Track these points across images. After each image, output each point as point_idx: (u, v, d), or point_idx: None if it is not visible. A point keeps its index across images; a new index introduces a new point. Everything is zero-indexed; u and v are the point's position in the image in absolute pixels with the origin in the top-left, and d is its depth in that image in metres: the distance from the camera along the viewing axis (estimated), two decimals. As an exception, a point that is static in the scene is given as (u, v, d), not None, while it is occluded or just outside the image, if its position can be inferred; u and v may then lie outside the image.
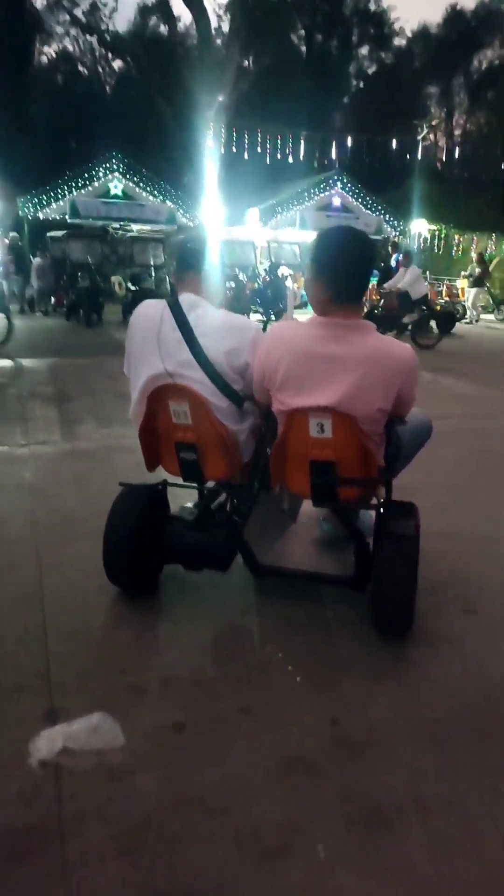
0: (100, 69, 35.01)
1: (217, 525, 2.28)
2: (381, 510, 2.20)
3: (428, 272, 18.91)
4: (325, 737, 1.70)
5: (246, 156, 19.41)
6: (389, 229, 19.88)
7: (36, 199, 17.73)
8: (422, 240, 20.45)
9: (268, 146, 19.03)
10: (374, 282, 13.42)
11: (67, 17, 30.36)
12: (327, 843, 1.39)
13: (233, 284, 12.18)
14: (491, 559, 2.74)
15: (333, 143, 19.69)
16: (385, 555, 2.06)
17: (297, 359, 2.00)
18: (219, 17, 31.44)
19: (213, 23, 27.33)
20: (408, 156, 19.42)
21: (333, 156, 19.64)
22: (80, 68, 34.52)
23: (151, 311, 2.23)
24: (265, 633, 2.16)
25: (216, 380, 2.12)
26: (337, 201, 19.17)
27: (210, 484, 2.37)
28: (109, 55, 32.68)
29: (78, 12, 30.13)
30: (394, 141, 19.58)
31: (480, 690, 1.89)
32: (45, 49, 32.76)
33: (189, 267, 2.24)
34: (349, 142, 19.76)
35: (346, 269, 1.98)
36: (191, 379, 2.11)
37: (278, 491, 2.39)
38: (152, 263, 15.35)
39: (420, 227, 20.16)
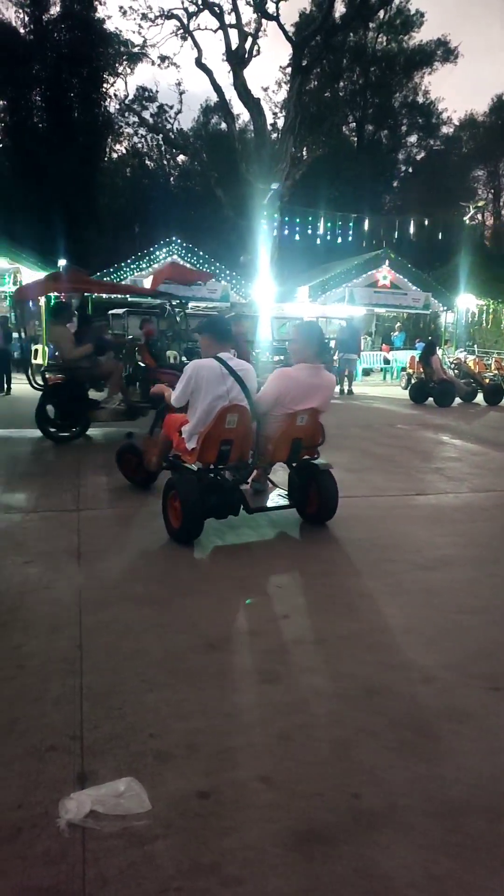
0: (164, 162, 37.93)
1: (232, 488, 3.87)
2: (313, 461, 4.19)
3: (476, 346, 19.02)
4: (343, 810, 1.71)
5: (297, 237, 20.37)
6: (437, 304, 20.25)
7: (101, 279, 18.97)
8: (469, 314, 20.67)
9: (319, 228, 19.96)
10: (418, 355, 13.60)
11: (136, 119, 33.42)
12: (337, 917, 1.40)
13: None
14: (523, 636, 2.70)
15: (382, 224, 20.48)
16: (321, 481, 4.10)
17: (299, 386, 3.99)
18: (274, 114, 33.96)
19: (269, 119, 29.51)
20: (455, 235, 19.94)
21: (382, 235, 20.40)
22: (147, 161, 37.48)
23: (210, 364, 3.83)
24: (289, 702, 2.19)
25: (251, 402, 3.90)
26: (385, 278, 19.74)
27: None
28: (173, 150, 35.49)
29: (146, 114, 33.17)
30: (441, 221, 20.18)
31: (500, 768, 1.86)
32: (116, 147, 35.85)
33: (225, 339, 4.04)
34: (397, 222, 20.52)
35: (316, 342, 4.14)
36: (242, 401, 3.83)
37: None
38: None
39: (468, 303, 20.43)
